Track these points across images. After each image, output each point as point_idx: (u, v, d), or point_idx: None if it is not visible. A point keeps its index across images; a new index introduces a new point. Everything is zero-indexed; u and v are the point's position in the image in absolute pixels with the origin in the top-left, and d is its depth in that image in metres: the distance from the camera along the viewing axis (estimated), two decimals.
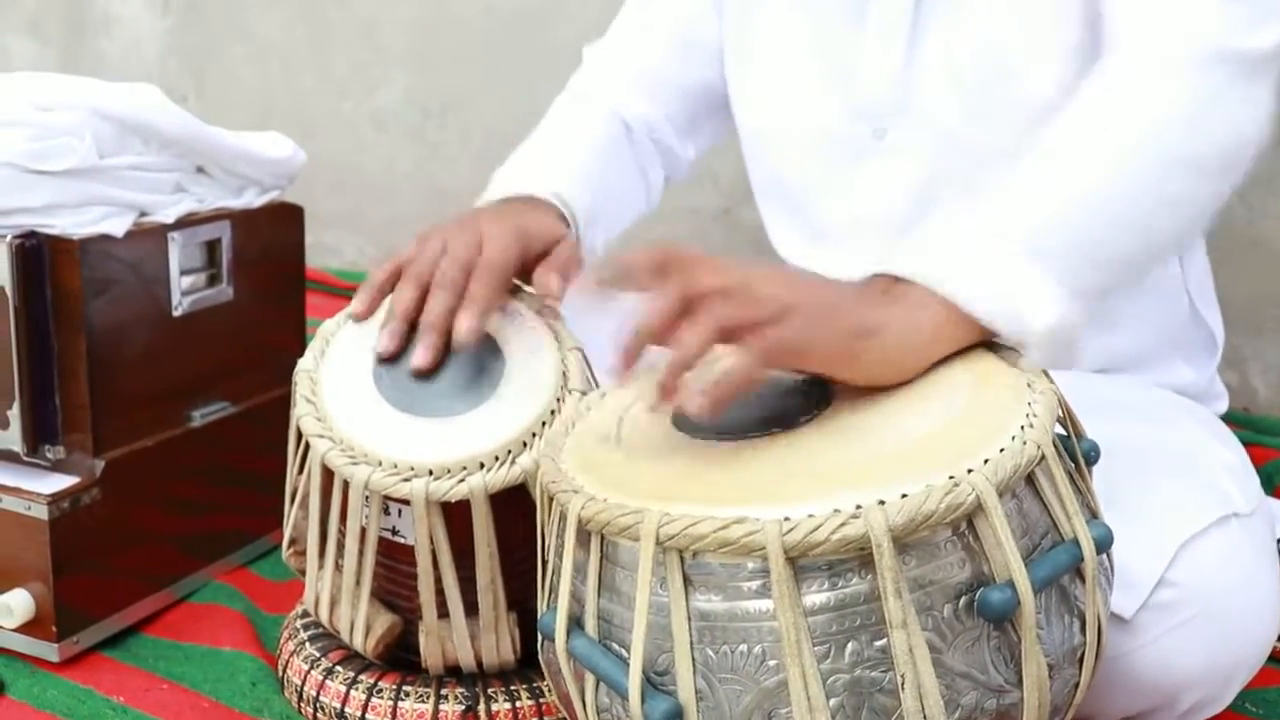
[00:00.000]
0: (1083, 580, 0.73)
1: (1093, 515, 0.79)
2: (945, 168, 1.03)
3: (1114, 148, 0.85)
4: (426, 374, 0.95)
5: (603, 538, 0.73)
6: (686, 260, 0.77)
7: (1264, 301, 1.69)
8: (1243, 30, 0.87)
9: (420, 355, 0.94)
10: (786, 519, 0.67)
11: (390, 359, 0.96)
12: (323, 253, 2.37)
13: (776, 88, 1.12)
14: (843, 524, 0.66)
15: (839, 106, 1.07)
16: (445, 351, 0.95)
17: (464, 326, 0.93)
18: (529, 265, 0.99)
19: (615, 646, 0.73)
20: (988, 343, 0.83)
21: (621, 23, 1.26)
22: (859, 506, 0.67)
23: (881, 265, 0.82)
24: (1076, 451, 0.80)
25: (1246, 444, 1.30)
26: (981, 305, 0.79)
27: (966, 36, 1.01)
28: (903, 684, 0.67)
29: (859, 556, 0.67)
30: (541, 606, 0.82)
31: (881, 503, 0.67)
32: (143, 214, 1.18)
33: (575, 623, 0.75)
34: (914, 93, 1.03)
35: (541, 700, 1.00)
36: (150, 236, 1.18)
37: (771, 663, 0.68)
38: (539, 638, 0.80)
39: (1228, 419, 1.16)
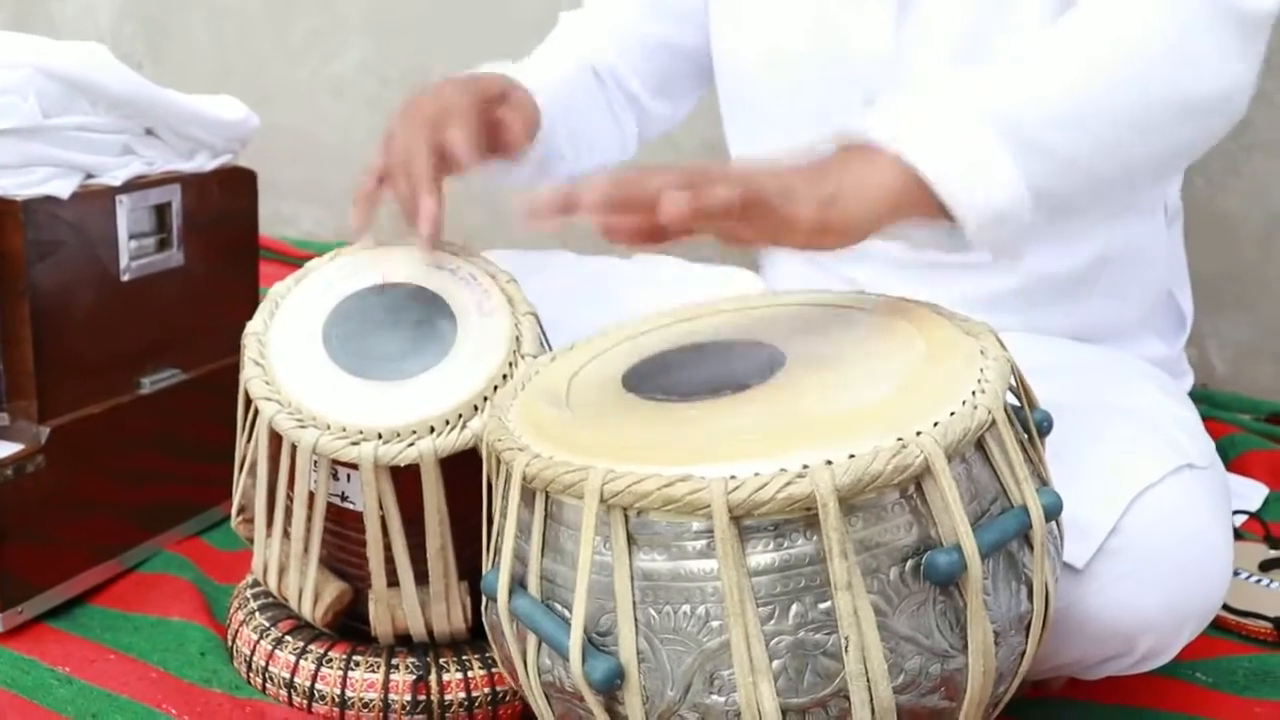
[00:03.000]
0: (1031, 548, 0.73)
1: (1043, 483, 0.79)
2: None
3: (1097, 62, 0.85)
4: (406, 323, 0.95)
5: (547, 496, 0.72)
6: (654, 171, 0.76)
7: (1223, 278, 1.70)
8: None
9: (425, 222, 0.94)
10: (732, 477, 0.66)
11: (350, 314, 0.96)
12: (279, 222, 2.35)
13: (765, 56, 1.12)
14: (788, 483, 0.66)
15: (830, 72, 1.07)
16: (428, 304, 0.95)
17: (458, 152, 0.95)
18: (491, 109, 1.01)
19: (558, 607, 0.72)
20: (941, 309, 0.83)
21: None
22: (805, 466, 0.66)
23: (844, 132, 0.82)
24: (1029, 420, 0.80)
25: (1204, 419, 1.31)
26: (932, 167, 0.79)
27: (955, 7, 1.00)
28: (846, 647, 0.67)
29: (805, 517, 0.67)
30: (486, 566, 0.81)
31: (828, 463, 0.66)
32: (89, 176, 1.16)
33: (518, 583, 0.75)
34: (904, 58, 1.03)
35: (494, 670, 0.99)
36: (97, 199, 1.16)
37: (715, 624, 0.67)
38: (484, 600, 0.79)
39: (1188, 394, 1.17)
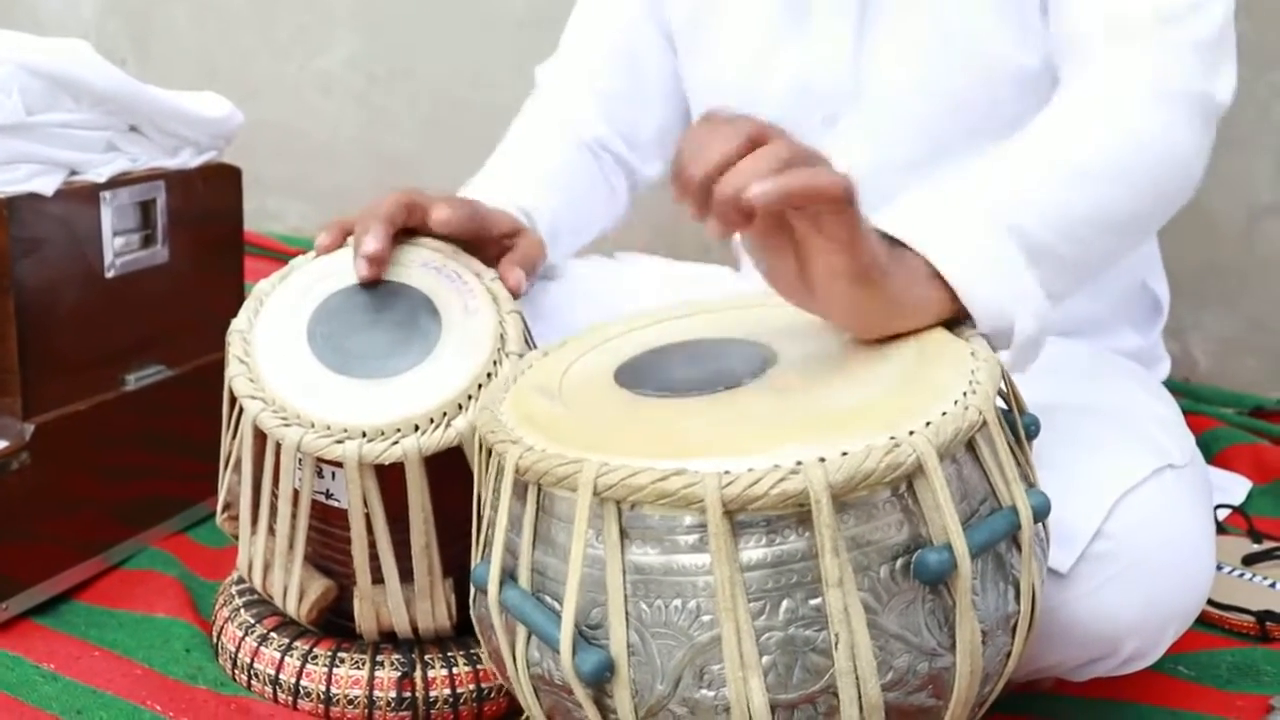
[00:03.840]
0: (1019, 548, 0.73)
1: (1031, 485, 0.79)
2: (896, 155, 1.03)
3: (1092, 164, 0.87)
4: (391, 322, 0.95)
5: (540, 489, 0.72)
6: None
7: (1206, 272, 1.71)
8: (1205, 78, 0.91)
9: (367, 243, 0.95)
10: (726, 472, 0.66)
11: (335, 312, 0.95)
12: (266, 218, 2.34)
13: (728, 76, 1.12)
14: (782, 479, 0.66)
15: (791, 93, 1.07)
16: (412, 302, 0.95)
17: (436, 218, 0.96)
18: (484, 245, 1.00)
19: (548, 599, 0.72)
20: None
21: (568, 38, 1.25)
22: (799, 462, 0.66)
23: (884, 222, 0.80)
24: (1017, 424, 0.80)
25: (1187, 413, 1.31)
26: (981, 305, 0.79)
27: (916, 21, 1.01)
28: (836, 643, 0.67)
29: (797, 513, 0.67)
30: (476, 559, 0.81)
31: (822, 459, 0.66)
32: (73, 173, 1.16)
33: (509, 575, 0.75)
34: (865, 78, 1.04)
35: (479, 667, 0.99)
36: (81, 196, 1.15)
37: (706, 618, 0.67)
38: (472, 593, 0.79)
39: (1169, 388, 1.18)
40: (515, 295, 0.98)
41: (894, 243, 0.79)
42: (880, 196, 1.02)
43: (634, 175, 1.24)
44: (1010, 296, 0.80)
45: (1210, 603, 1.14)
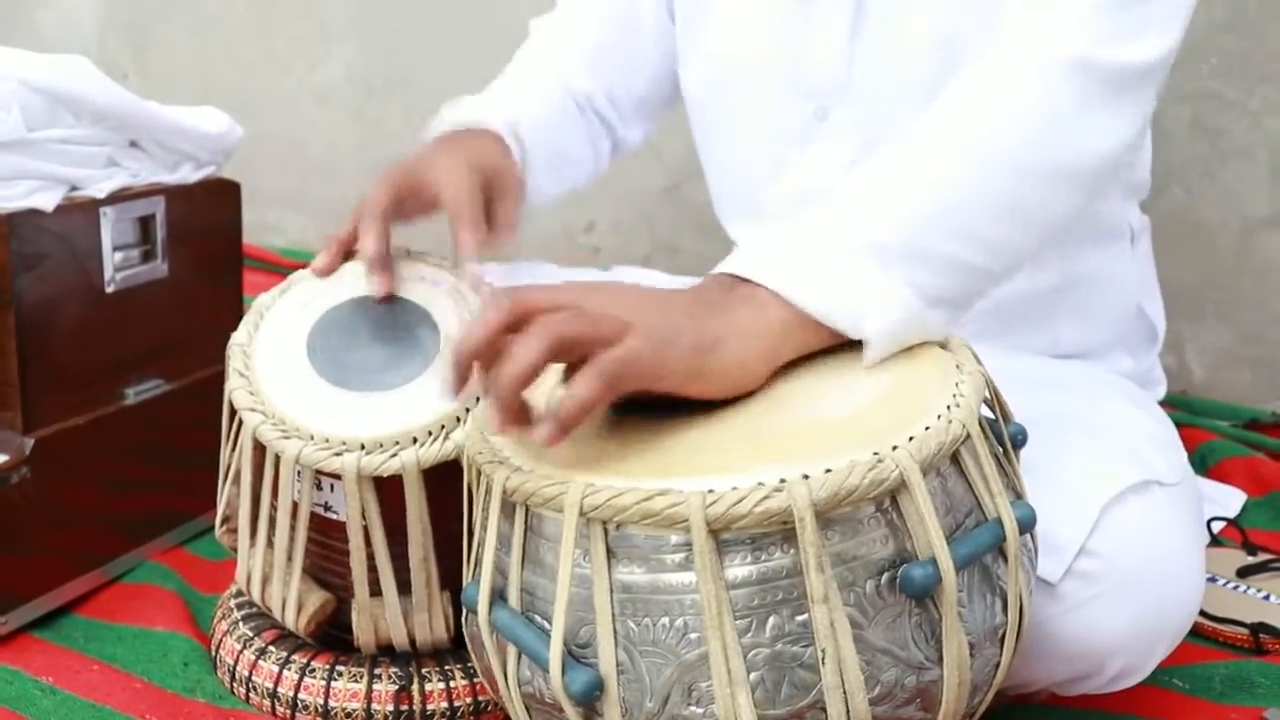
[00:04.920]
0: (1005, 560, 0.74)
1: (1017, 496, 0.79)
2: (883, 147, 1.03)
3: (964, 152, 0.84)
4: (388, 335, 0.96)
5: (527, 509, 0.73)
6: (521, 290, 0.75)
7: (1201, 286, 1.71)
8: (1108, 42, 0.85)
9: (367, 243, 0.96)
10: (710, 491, 0.67)
11: (334, 325, 0.96)
12: (265, 231, 2.35)
13: (725, 63, 1.12)
14: (766, 497, 0.66)
15: (784, 84, 1.07)
16: (411, 315, 0.97)
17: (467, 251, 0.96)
18: (477, 187, 1.00)
19: (537, 619, 0.73)
20: None
21: None
22: (783, 480, 0.67)
23: (725, 264, 0.81)
24: (1004, 434, 0.81)
25: (1182, 425, 1.32)
26: (817, 306, 0.78)
27: (911, 17, 1.01)
28: (823, 659, 0.67)
29: (782, 530, 0.67)
30: (466, 578, 0.81)
31: (805, 477, 0.67)
32: (73, 188, 1.17)
33: (498, 595, 0.75)
34: (858, 72, 1.03)
35: (476, 680, 0.99)
36: (81, 211, 1.16)
37: (693, 635, 0.68)
38: (465, 612, 0.80)
39: (1165, 402, 1.19)
40: (507, 234, 1.00)
41: (741, 280, 0.79)
42: None
43: (615, 135, 1.24)
44: (844, 293, 0.78)
45: (1204, 615, 1.14)
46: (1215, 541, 1.29)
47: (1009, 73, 0.86)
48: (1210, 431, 1.57)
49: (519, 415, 0.73)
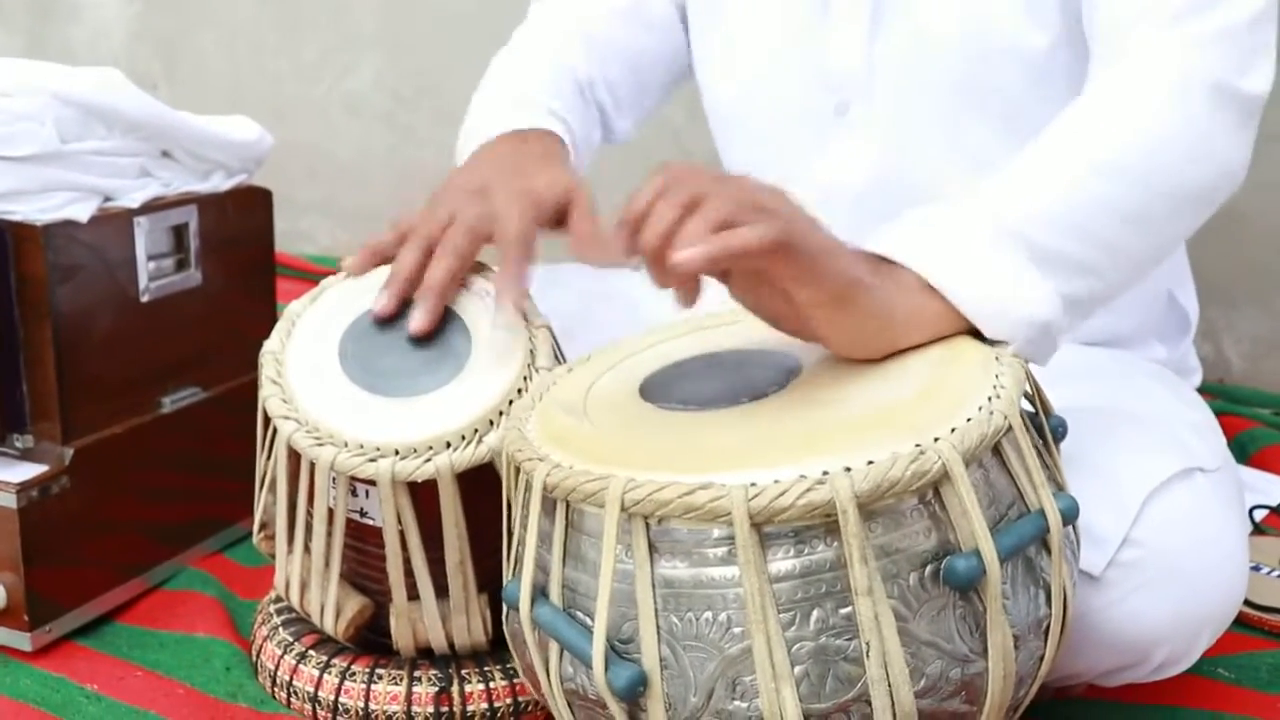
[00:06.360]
0: (1048, 552, 0.73)
1: (1059, 488, 0.79)
2: (907, 143, 1.03)
3: (1101, 163, 0.85)
4: (412, 338, 0.94)
5: (568, 505, 0.73)
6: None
7: (1239, 274, 1.70)
8: (1236, 70, 0.88)
9: (418, 319, 0.94)
10: (752, 485, 0.67)
11: (366, 331, 0.96)
12: (297, 239, 2.36)
13: (743, 58, 1.12)
14: (808, 489, 0.66)
15: (804, 80, 1.07)
16: (442, 319, 0.95)
17: (510, 299, 0.93)
18: (545, 223, 0.98)
19: (580, 615, 0.73)
20: None
21: None
22: (825, 473, 0.66)
23: (871, 243, 0.81)
24: (1044, 427, 0.80)
25: (1221, 414, 1.31)
26: (973, 305, 0.79)
27: (931, 11, 1.00)
28: (867, 652, 0.67)
29: (825, 523, 0.67)
30: (507, 576, 0.81)
31: (848, 469, 0.67)
32: (107, 199, 1.17)
33: (540, 591, 0.75)
34: (878, 66, 1.03)
35: (515, 681, 0.99)
36: (115, 221, 1.17)
37: (736, 630, 0.68)
38: (505, 609, 0.80)
39: (1204, 390, 1.17)
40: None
41: (884, 260, 0.80)
42: (892, 184, 1.02)
43: (607, 124, 1.23)
44: (1006, 296, 0.79)
45: (1249, 604, 1.13)
46: (1258, 530, 1.28)
47: (1143, 89, 0.88)
48: (1250, 420, 1.55)
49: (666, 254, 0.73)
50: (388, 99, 2.33)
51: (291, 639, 1.05)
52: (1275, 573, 1.20)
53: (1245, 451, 1.47)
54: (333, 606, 0.98)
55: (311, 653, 1.03)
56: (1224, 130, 0.88)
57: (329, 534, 0.95)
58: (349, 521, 0.95)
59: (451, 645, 0.99)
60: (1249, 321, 1.71)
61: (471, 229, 0.95)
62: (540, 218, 0.96)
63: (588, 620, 0.72)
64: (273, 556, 1.04)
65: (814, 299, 0.76)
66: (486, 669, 1.00)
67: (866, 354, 0.79)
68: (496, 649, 1.00)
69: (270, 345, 0.98)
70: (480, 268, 1.01)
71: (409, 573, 0.94)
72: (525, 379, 0.93)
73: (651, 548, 0.69)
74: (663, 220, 0.73)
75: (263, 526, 1.05)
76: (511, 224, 0.94)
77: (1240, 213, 1.67)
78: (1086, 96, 0.90)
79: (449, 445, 0.90)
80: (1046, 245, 0.82)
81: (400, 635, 0.98)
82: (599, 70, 1.19)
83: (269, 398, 0.94)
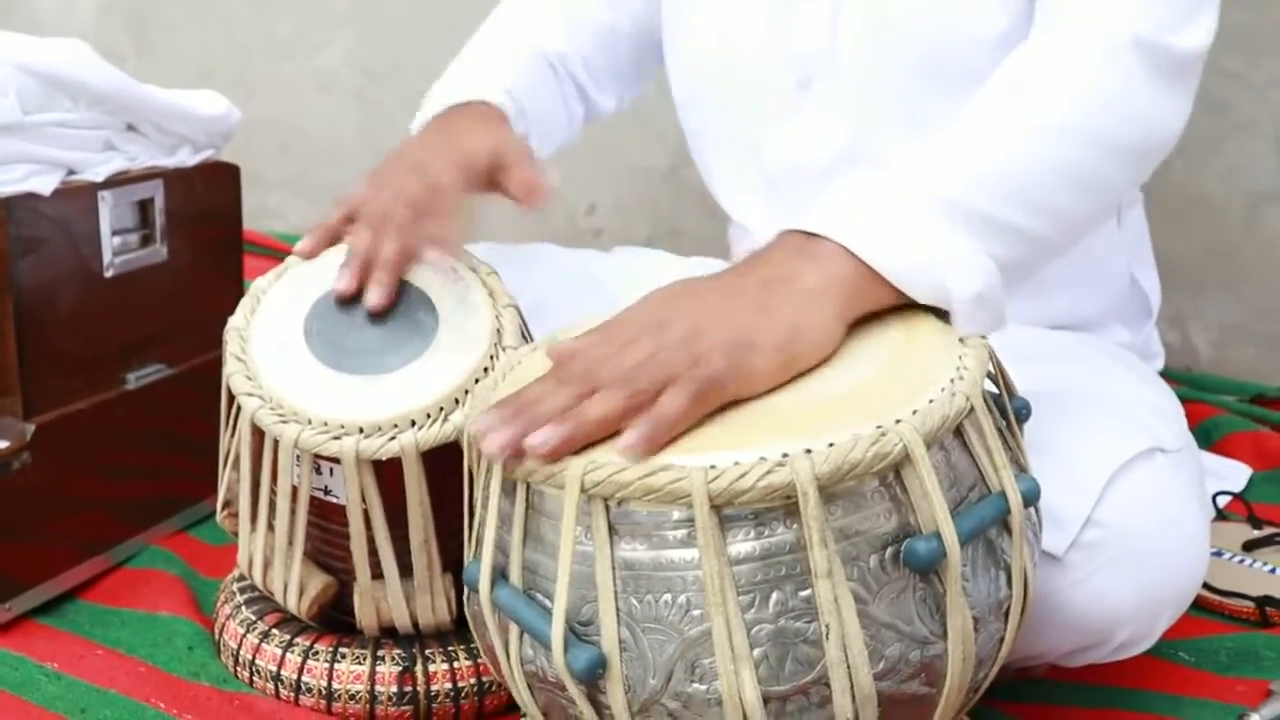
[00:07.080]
0: (1009, 533, 0.74)
1: (1021, 469, 0.79)
2: (870, 117, 1.03)
3: (1029, 121, 0.85)
4: (377, 316, 0.94)
5: (528, 487, 0.73)
6: (572, 349, 0.76)
7: (1205, 260, 1.70)
8: (1164, 28, 0.88)
9: (374, 296, 0.94)
10: (712, 467, 0.67)
11: (331, 308, 0.95)
12: (266, 216, 2.35)
13: (705, 30, 1.11)
14: (768, 472, 0.66)
15: (767, 53, 1.07)
16: (396, 294, 0.95)
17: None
18: (481, 183, 0.98)
19: (539, 597, 0.72)
20: None
21: None
22: (785, 455, 0.66)
23: (795, 221, 0.81)
24: (1008, 408, 0.80)
25: (1187, 401, 1.32)
26: (898, 272, 0.78)
27: None
28: (827, 634, 0.67)
29: (785, 505, 0.67)
30: (468, 558, 0.81)
31: (808, 451, 0.66)
32: (71, 172, 1.16)
33: (500, 573, 0.75)
34: (841, 42, 1.03)
35: (479, 660, 0.99)
36: (80, 195, 1.16)
37: (696, 612, 0.68)
38: (466, 591, 0.80)
39: (1170, 377, 1.18)
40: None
41: (813, 236, 0.79)
42: (857, 159, 1.02)
43: (588, 101, 1.23)
44: (936, 260, 0.78)
45: (1210, 588, 1.14)
46: (1221, 516, 1.29)
47: (1072, 49, 0.88)
48: (1216, 407, 1.56)
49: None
50: (359, 76, 2.31)
51: (254, 618, 1.05)
52: (1236, 558, 1.21)
53: (1210, 438, 1.48)
54: (296, 585, 0.98)
55: (275, 631, 1.03)
56: (1156, 88, 0.88)
57: (293, 512, 0.95)
58: (313, 499, 0.94)
59: (415, 624, 0.98)
60: (1216, 309, 1.72)
61: (413, 202, 0.95)
62: (472, 173, 0.97)
63: (547, 602, 0.71)
64: (236, 534, 1.03)
65: (765, 386, 0.74)
66: (450, 648, 1.00)
67: (834, 349, 0.77)
68: (460, 628, 1.00)
69: (235, 321, 0.97)
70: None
71: (373, 551, 0.94)
72: (491, 358, 0.93)
73: (611, 529, 0.69)
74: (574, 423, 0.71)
75: (226, 504, 1.04)
76: (443, 178, 0.95)
77: (1209, 199, 1.68)
78: (1019, 58, 0.89)
79: (414, 424, 0.90)
80: (978, 209, 0.81)
81: (364, 614, 0.98)
82: (573, 46, 1.19)
83: (233, 374, 0.94)
